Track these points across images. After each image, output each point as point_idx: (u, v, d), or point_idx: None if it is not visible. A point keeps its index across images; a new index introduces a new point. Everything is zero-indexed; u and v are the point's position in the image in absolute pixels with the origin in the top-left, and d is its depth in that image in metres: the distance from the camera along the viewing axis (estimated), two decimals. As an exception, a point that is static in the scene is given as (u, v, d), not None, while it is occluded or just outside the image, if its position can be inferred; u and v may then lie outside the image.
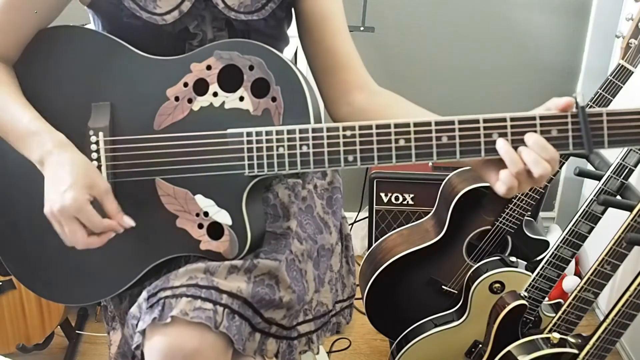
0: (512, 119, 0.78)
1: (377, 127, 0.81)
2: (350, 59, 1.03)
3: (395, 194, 2.02)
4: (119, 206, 0.89)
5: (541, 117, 0.77)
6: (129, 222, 0.89)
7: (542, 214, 2.13)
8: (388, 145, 0.81)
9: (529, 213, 1.60)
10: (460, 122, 0.79)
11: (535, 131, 0.77)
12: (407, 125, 0.80)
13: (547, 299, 1.39)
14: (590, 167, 1.46)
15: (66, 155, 0.88)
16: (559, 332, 1.23)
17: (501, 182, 0.78)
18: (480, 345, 1.55)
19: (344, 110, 1.02)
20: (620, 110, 0.76)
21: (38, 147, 0.89)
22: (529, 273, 1.46)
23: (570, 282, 1.96)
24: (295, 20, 1.05)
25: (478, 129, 0.78)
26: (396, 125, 0.80)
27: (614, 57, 2.15)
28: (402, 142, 0.81)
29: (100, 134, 0.91)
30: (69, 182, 0.84)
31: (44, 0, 0.95)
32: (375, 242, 1.84)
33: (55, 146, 0.88)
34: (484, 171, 0.84)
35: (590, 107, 1.36)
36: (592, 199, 1.26)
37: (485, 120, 0.78)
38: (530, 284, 1.35)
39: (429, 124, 0.79)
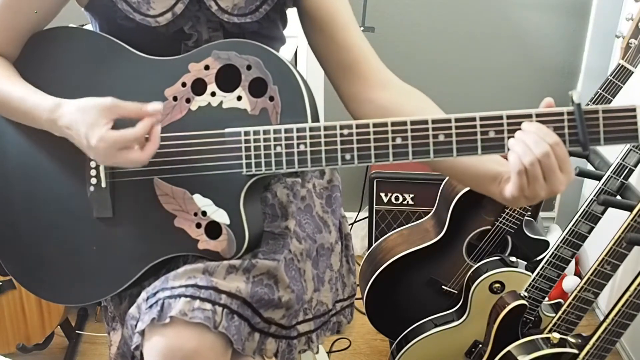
0: (509, 117, 0.78)
1: (374, 125, 0.81)
2: (366, 53, 1.00)
3: (395, 194, 2.02)
4: (134, 103, 0.85)
5: (537, 115, 0.77)
6: (156, 106, 0.85)
7: (542, 214, 2.13)
8: (385, 143, 0.81)
9: (529, 213, 1.60)
10: (457, 120, 0.79)
11: None
12: (404, 123, 0.80)
13: (547, 299, 1.38)
14: (590, 167, 1.46)
15: (63, 117, 0.87)
16: (559, 332, 1.23)
17: (511, 171, 0.78)
18: (480, 345, 1.55)
19: (366, 108, 0.99)
20: (616, 107, 0.75)
21: (39, 121, 0.90)
22: (529, 273, 1.46)
23: (570, 282, 1.95)
24: (300, 21, 1.03)
25: (475, 126, 0.78)
26: (393, 124, 0.80)
27: (614, 57, 2.15)
28: (399, 141, 0.80)
29: None
30: (83, 133, 0.84)
31: (43, 0, 0.95)
32: (375, 242, 1.84)
33: (50, 113, 0.88)
34: (490, 189, 0.86)
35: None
36: (592, 199, 1.26)
37: (482, 118, 0.78)
38: (530, 284, 1.35)
39: (425, 122, 0.79)
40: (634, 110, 0.75)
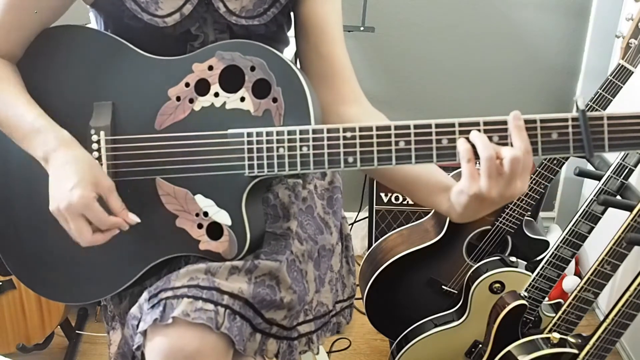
0: (513, 122, 0.78)
1: (378, 128, 0.81)
2: (345, 70, 1.03)
3: (395, 194, 2.03)
4: (122, 203, 0.89)
5: (542, 121, 0.77)
6: (134, 218, 0.89)
7: (542, 214, 2.13)
8: (388, 147, 0.81)
9: (529, 213, 1.60)
10: (460, 125, 0.78)
11: (536, 134, 0.77)
12: (408, 127, 0.80)
13: (547, 299, 1.39)
14: (590, 167, 1.46)
15: (71, 153, 0.88)
16: (559, 332, 1.23)
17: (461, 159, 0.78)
18: (480, 345, 1.55)
19: (332, 120, 1.01)
20: (621, 114, 0.75)
21: (42, 144, 0.89)
22: (529, 273, 1.47)
23: (570, 282, 1.96)
24: (293, 23, 1.05)
25: (479, 131, 0.78)
26: (396, 127, 0.80)
27: (614, 57, 2.15)
28: (402, 144, 0.80)
29: (102, 133, 0.92)
30: (75, 180, 0.85)
31: (46, 0, 0.95)
32: (375, 242, 1.84)
33: (60, 144, 0.89)
34: (439, 199, 0.89)
35: (591, 107, 1.36)
36: (592, 199, 1.26)
37: (485, 123, 0.78)
38: (530, 284, 1.35)
39: (429, 126, 0.79)
40: (639, 117, 0.75)
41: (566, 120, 0.77)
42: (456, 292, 1.67)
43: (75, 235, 0.86)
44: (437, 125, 0.79)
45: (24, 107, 0.92)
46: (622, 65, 1.32)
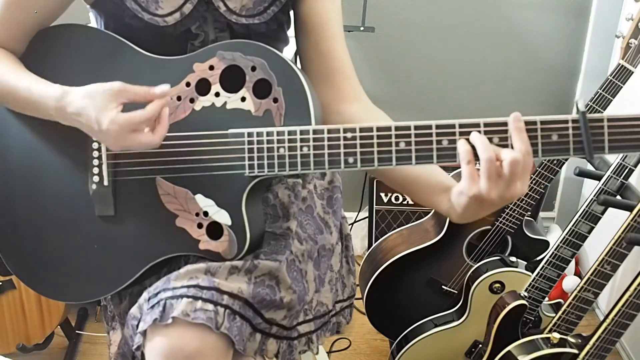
0: (514, 123, 0.78)
1: (378, 129, 0.81)
2: (346, 67, 1.03)
3: (395, 194, 2.03)
4: (142, 86, 0.86)
5: (542, 122, 0.77)
6: (162, 89, 0.85)
7: (542, 214, 2.13)
8: (388, 147, 0.81)
9: (529, 213, 1.61)
10: (461, 126, 0.79)
11: (536, 136, 0.77)
12: (408, 128, 0.80)
13: (547, 299, 1.39)
14: (590, 167, 1.46)
15: (69, 102, 0.87)
16: (559, 332, 1.23)
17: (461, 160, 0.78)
18: (480, 345, 1.55)
19: (333, 118, 1.01)
20: (621, 115, 0.75)
21: (47, 110, 0.89)
22: (529, 273, 1.47)
23: (570, 282, 1.96)
24: (293, 21, 1.05)
25: (479, 133, 0.78)
26: (397, 128, 0.81)
27: (614, 57, 2.15)
28: (402, 145, 0.81)
29: None
30: (94, 118, 0.83)
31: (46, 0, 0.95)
32: (375, 242, 1.84)
33: (57, 103, 0.88)
34: (439, 198, 0.90)
35: (591, 107, 1.36)
36: (592, 199, 1.26)
37: (486, 124, 0.78)
38: (530, 284, 1.35)
39: (429, 127, 0.80)
40: (639, 119, 0.75)
41: (566, 122, 0.77)
42: (456, 292, 1.67)
43: (142, 148, 0.85)
44: (437, 126, 0.79)
45: (14, 82, 0.92)
46: (622, 65, 1.32)
